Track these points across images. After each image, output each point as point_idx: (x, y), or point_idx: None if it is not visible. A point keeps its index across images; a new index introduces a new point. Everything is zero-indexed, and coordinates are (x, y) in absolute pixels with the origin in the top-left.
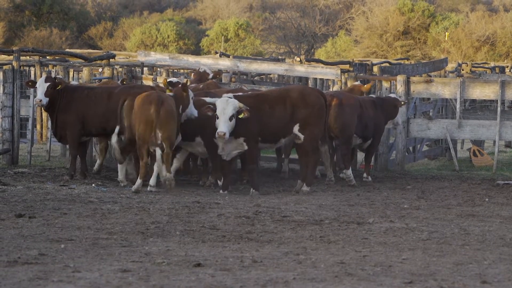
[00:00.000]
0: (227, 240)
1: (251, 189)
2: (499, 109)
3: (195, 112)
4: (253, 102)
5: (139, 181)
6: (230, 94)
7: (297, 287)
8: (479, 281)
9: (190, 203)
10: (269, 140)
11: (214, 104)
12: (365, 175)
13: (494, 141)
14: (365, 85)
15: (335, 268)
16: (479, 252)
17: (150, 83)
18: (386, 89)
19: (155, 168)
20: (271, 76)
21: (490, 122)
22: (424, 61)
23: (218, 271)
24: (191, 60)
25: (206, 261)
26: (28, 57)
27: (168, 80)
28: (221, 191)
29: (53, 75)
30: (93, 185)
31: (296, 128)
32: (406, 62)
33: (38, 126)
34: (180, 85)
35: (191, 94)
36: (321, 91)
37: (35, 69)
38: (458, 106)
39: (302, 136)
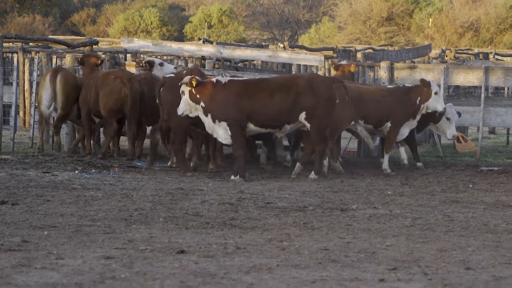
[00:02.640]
0: (210, 227)
1: (232, 175)
2: (482, 95)
3: (439, 107)
4: (246, 88)
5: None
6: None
7: (281, 274)
8: (463, 267)
9: (174, 190)
10: (271, 126)
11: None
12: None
13: (478, 127)
14: (351, 66)
15: (318, 255)
16: (463, 238)
17: (133, 69)
18: (370, 75)
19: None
20: (255, 62)
21: (474, 108)
22: (408, 47)
23: (201, 258)
24: (174, 46)
25: (190, 248)
26: (10, 43)
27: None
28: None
29: (36, 61)
30: (76, 171)
31: (302, 116)
32: (390, 48)
33: (21, 113)
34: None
35: (434, 88)
36: (334, 79)
37: (17, 55)
38: (441, 92)
39: (308, 125)
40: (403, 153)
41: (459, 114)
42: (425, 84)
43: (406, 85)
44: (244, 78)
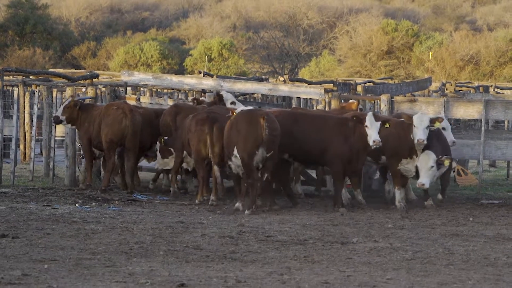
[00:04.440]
0: (210, 260)
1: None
2: (483, 128)
3: (415, 137)
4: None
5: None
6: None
7: None
8: None
9: (174, 223)
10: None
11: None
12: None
13: (478, 161)
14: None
15: None
16: (463, 271)
17: (133, 102)
18: (370, 108)
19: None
20: (255, 95)
21: (474, 141)
22: (408, 80)
23: None
24: (174, 79)
25: (190, 281)
26: (11, 77)
27: None
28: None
29: (36, 94)
30: (77, 205)
31: (235, 151)
32: (390, 81)
33: (22, 146)
34: None
35: (414, 122)
36: (261, 114)
37: (18, 89)
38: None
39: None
40: (397, 195)
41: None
42: (410, 119)
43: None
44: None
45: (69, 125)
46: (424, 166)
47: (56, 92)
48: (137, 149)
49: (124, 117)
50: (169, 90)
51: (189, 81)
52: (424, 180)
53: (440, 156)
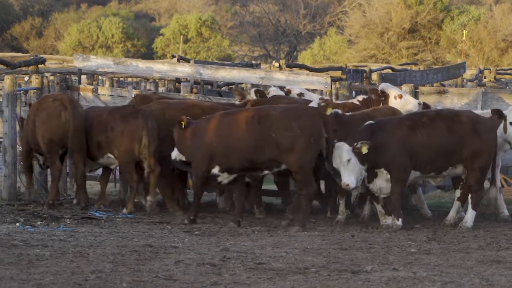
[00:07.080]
0: None
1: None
2: None
3: None
4: None
5: None
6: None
7: None
8: None
9: (140, 247)
10: None
11: None
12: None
13: None
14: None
15: None
16: None
17: (89, 94)
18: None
19: None
20: (243, 85)
21: None
22: (436, 66)
23: None
24: (141, 66)
25: None
26: None
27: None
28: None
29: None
30: (17, 224)
31: None
32: (414, 67)
33: None
34: None
35: None
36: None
37: None
38: None
39: None
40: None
41: None
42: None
43: None
44: None
45: None
46: (340, 161)
47: None
48: (84, 150)
49: (63, 109)
50: (135, 79)
51: (160, 67)
52: (346, 178)
53: (355, 144)
